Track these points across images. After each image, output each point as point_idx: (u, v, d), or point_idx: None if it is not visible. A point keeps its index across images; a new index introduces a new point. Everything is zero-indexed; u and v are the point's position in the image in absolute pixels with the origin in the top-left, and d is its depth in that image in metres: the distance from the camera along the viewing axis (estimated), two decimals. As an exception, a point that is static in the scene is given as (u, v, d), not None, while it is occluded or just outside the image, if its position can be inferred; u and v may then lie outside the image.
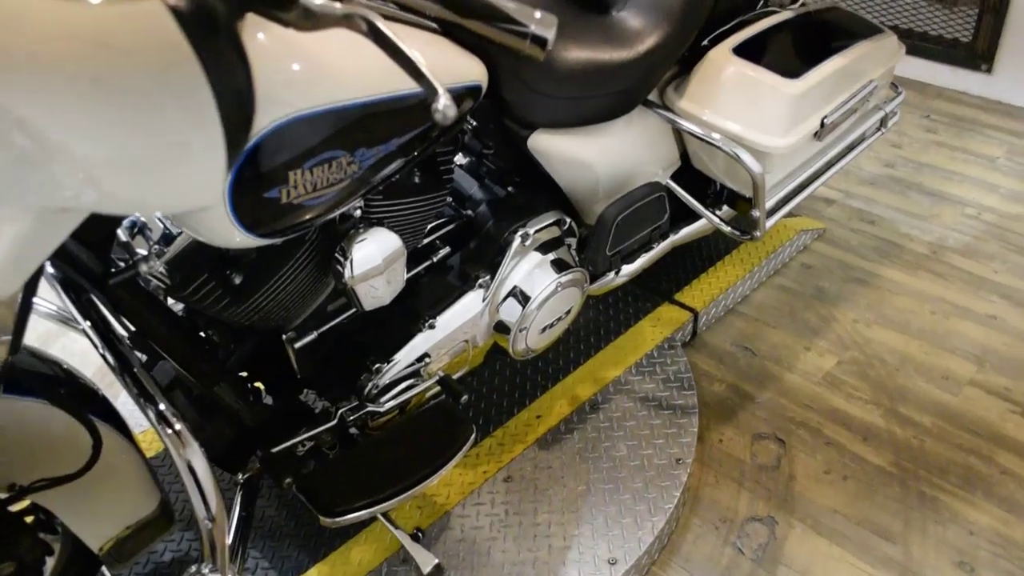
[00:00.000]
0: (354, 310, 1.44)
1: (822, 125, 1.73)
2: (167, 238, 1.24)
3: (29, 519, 1.23)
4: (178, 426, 1.10)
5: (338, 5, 0.80)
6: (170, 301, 1.33)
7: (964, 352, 2.07)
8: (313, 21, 0.81)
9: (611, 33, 1.56)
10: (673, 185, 1.81)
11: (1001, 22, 3.17)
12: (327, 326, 1.43)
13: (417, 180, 1.39)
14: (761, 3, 1.87)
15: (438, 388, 1.53)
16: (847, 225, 2.57)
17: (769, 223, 1.82)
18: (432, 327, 1.51)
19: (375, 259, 1.27)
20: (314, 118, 1.01)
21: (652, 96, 1.72)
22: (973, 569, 1.57)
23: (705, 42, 1.73)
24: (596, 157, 1.62)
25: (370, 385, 1.46)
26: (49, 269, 1.10)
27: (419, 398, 1.54)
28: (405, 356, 1.49)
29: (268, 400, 1.52)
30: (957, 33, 3.33)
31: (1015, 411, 1.90)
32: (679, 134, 1.78)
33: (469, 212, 1.64)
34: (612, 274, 1.80)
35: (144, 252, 1.18)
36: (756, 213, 1.76)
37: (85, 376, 1.25)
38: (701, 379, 2.02)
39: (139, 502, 1.25)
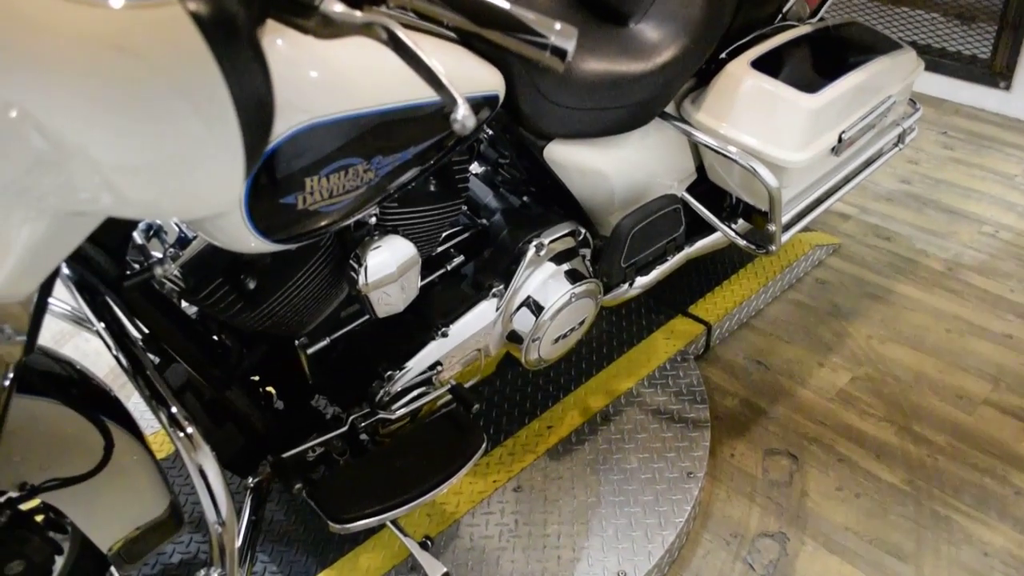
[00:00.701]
0: (367, 317, 1.44)
1: (839, 140, 1.72)
2: (183, 241, 1.25)
3: (39, 518, 1.23)
4: (190, 429, 1.11)
5: (358, 13, 0.80)
6: (184, 304, 1.34)
7: (979, 371, 2.05)
8: (333, 29, 0.81)
9: (629, 45, 1.56)
10: (689, 198, 1.81)
11: (1020, 39, 3.15)
12: (340, 332, 1.43)
13: (432, 188, 1.39)
14: (780, 17, 1.87)
15: (450, 397, 1.53)
16: (863, 241, 2.56)
17: (785, 237, 1.81)
18: (445, 335, 1.51)
19: (389, 266, 1.27)
20: (332, 125, 1.01)
21: (669, 108, 1.71)
22: (986, 591, 1.56)
23: (723, 55, 1.73)
24: (612, 168, 1.62)
25: (382, 392, 1.46)
26: (65, 270, 1.11)
27: (430, 406, 1.54)
28: (417, 364, 1.49)
29: (279, 405, 1.52)
30: (975, 50, 3.31)
31: (1030, 431, 1.88)
32: (695, 147, 1.77)
33: (484, 221, 1.64)
34: (626, 286, 1.79)
35: (159, 255, 1.18)
36: (772, 227, 1.75)
37: (98, 377, 1.25)
38: (714, 393, 2.01)
39: (149, 504, 1.26)
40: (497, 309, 1.57)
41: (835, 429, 1.90)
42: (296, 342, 1.39)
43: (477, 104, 1.26)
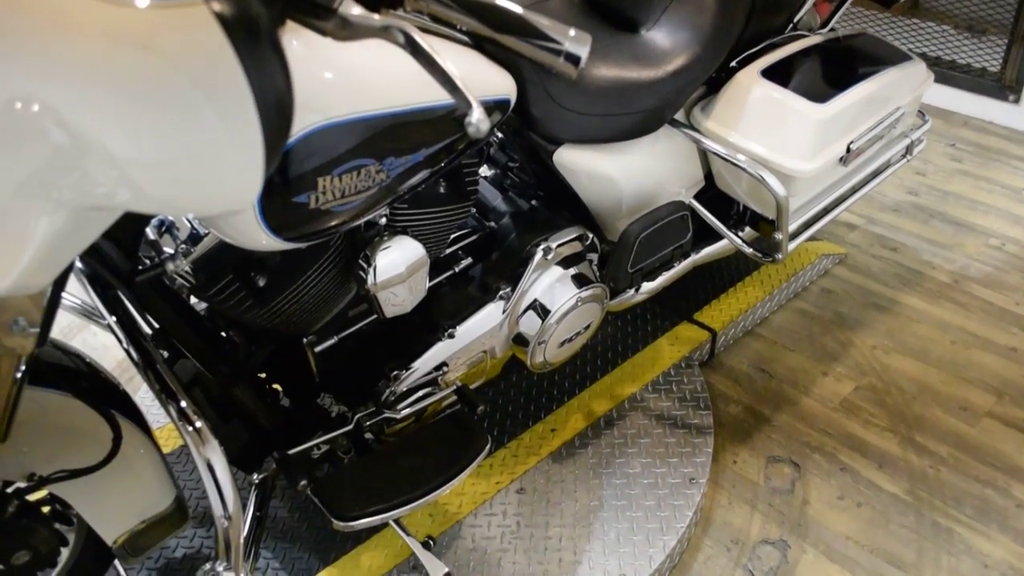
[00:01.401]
0: (375, 316, 1.45)
1: (848, 150, 1.73)
2: (194, 238, 1.26)
3: (46, 509, 1.24)
4: (198, 423, 1.11)
5: (376, 17, 0.81)
6: (193, 300, 1.35)
7: (983, 383, 2.06)
8: (350, 31, 0.82)
9: (640, 52, 1.56)
10: (696, 205, 1.81)
11: (1031, 53, 3.15)
12: (347, 331, 1.44)
13: (442, 190, 1.40)
14: (790, 27, 1.87)
15: (455, 397, 1.54)
16: (869, 251, 2.56)
17: (791, 246, 1.82)
18: (452, 336, 1.51)
19: (398, 267, 1.28)
20: (346, 126, 1.02)
21: (679, 115, 1.72)
22: (985, 602, 1.56)
23: (734, 64, 1.74)
24: (621, 174, 1.63)
25: (388, 392, 1.47)
26: (78, 264, 1.12)
27: (436, 407, 1.55)
28: (423, 364, 1.49)
29: (285, 402, 1.53)
30: (986, 62, 3.32)
31: (1033, 445, 1.88)
32: (704, 154, 1.78)
33: (492, 224, 1.65)
34: (632, 291, 1.80)
35: (171, 251, 1.19)
36: (779, 236, 1.76)
37: (107, 370, 1.26)
38: (717, 399, 2.01)
39: (155, 498, 1.26)
40: (504, 311, 1.58)
41: (838, 438, 1.91)
42: (304, 340, 1.39)
43: (489, 108, 1.27)
